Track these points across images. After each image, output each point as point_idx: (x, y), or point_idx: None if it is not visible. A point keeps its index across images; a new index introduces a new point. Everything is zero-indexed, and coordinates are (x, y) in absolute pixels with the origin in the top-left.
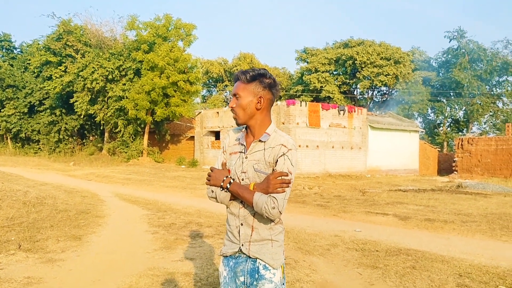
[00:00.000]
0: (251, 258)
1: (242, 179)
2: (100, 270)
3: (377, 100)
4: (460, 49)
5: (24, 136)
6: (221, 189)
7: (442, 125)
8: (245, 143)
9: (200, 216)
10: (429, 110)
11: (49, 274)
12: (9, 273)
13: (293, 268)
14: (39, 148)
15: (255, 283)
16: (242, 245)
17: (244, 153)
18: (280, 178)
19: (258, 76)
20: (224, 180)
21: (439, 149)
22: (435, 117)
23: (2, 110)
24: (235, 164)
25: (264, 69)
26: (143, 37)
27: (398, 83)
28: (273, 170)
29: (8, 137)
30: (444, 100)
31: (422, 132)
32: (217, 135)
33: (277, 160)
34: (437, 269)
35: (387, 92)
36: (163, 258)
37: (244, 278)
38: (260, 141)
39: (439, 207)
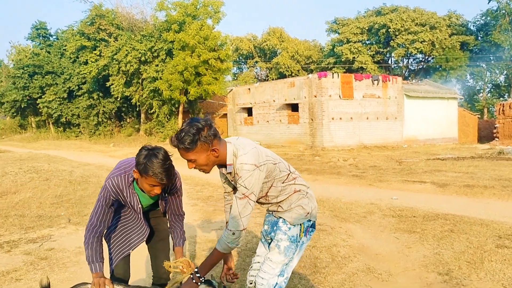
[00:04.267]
0: (276, 217)
1: None
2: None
3: (413, 68)
4: (499, 10)
5: (65, 120)
6: (200, 283)
7: (482, 91)
8: (224, 173)
9: None
10: (468, 76)
11: None
12: (62, 244)
13: (329, 234)
14: (80, 131)
15: (272, 234)
16: (272, 213)
17: (229, 180)
18: None
19: (196, 135)
20: (194, 283)
21: (479, 116)
22: (475, 83)
23: (43, 96)
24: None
25: (191, 121)
26: (172, 17)
27: (435, 49)
28: None
29: (50, 122)
30: (484, 65)
31: (461, 99)
32: (249, 111)
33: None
34: (476, 232)
35: (423, 60)
36: (204, 227)
37: (268, 227)
38: (229, 173)
39: (478, 174)
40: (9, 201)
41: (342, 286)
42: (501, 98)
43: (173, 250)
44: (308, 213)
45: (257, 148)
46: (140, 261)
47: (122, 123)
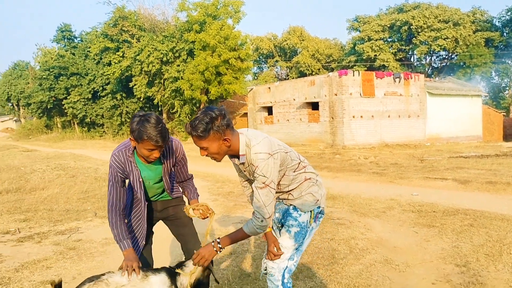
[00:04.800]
0: (286, 204)
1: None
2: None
3: (436, 66)
4: None
5: (89, 120)
6: (220, 251)
7: (508, 88)
8: (237, 163)
9: None
10: (493, 73)
11: None
12: (89, 236)
13: (348, 228)
14: (104, 131)
15: (283, 220)
16: (283, 200)
17: (242, 170)
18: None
19: (209, 124)
20: (214, 250)
21: (505, 114)
22: (500, 80)
23: (68, 97)
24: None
25: (206, 110)
26: (193, 17)
27: (458, 46)
28: None
29: (75, 122)
30: (510, 62)
31: (485, 96)
32: (269, 110)
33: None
34: (496, 226)
35: (446, 57)
36: (225, 221)
37: (279, 215)
38: (242, 163)
39: (502, 171)
40: (38, 196)
41: (359, 276)
42: None
43: (189, 203)
44: (317, 200)
45: (268, 138)
46: (164, 251)
47: None
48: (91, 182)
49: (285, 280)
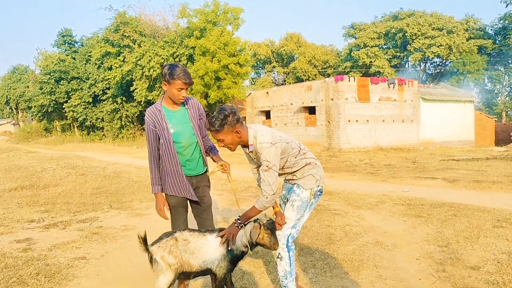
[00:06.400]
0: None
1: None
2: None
3: (430, 72)
4: None
5: (89, 124)
6: (240, 227)
7: (500, 94)
8: (247, 152)
9: None
10: (486, 80)
11: (140, 223)
12: (108, 223)
13: (343, 217)
14: (104, 134)
15: (288, 196)
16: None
17: (252, 158)
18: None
19: (223, 120)
20: (236, 227)
21: (496, 119)
22: (493, 86)
23: (68, 101)
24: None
25: (220, 110)
26: (194, 24)
27: (452, 53)
28: None
29: (75, 126)
30: (502, 69)
31: (478, 102)
32: (267, 114)
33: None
34: (477, 216)
35: (440, 64)
36: (230, 211)
37: (285, 192)
38: (251, 152)
39: (489, 171)
40: (52, 192)
41: (353, 253)
42: None
43: (213, 159)
44: (317, 180)
45: (272, 131)
46: None
47: (144, 126)
48: (101, 180)
49: (289, 244)
